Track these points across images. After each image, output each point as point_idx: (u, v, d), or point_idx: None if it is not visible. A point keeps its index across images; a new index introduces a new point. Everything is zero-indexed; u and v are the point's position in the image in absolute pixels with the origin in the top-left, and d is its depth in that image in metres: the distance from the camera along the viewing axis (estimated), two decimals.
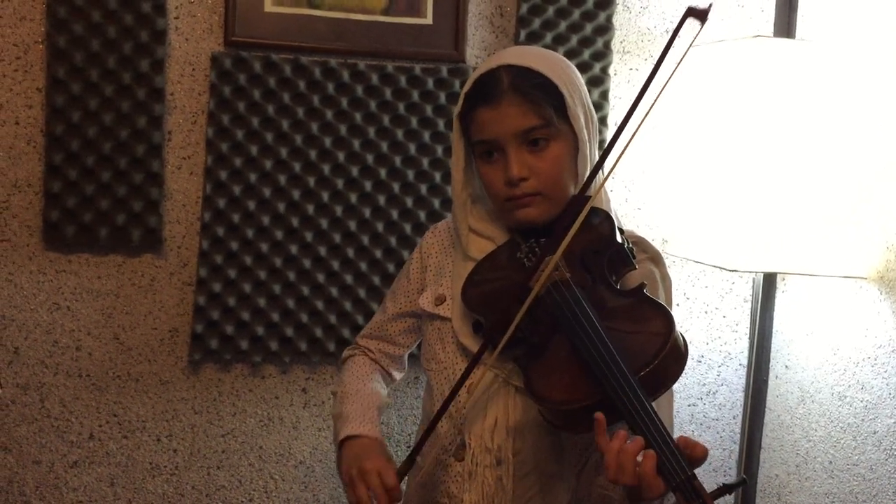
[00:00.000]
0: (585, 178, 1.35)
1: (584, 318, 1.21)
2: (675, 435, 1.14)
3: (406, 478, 1.38)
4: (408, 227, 2.12)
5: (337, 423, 1.47)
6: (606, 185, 1.46)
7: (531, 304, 1.26)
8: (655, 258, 1.40)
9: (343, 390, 1.52)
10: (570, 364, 1.20)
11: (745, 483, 1.16)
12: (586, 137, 1.35)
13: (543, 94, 1.30)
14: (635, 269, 1.33)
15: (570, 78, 1.35)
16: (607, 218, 1.34)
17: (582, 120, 1.34)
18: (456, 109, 1.38)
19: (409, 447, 2.21)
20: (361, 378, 1.55)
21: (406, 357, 1.64)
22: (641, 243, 1.41)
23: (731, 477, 2.31)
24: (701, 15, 1.29)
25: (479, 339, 1.33)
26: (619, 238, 1.31)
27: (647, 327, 1.20)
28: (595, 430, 1.13)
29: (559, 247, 1.26)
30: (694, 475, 1.08)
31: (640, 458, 1.10)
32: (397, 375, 1.65)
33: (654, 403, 1.14)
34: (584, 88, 1.38)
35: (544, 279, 1.26)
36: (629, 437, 1.12)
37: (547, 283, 1.26)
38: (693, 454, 1.11)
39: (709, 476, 2.32)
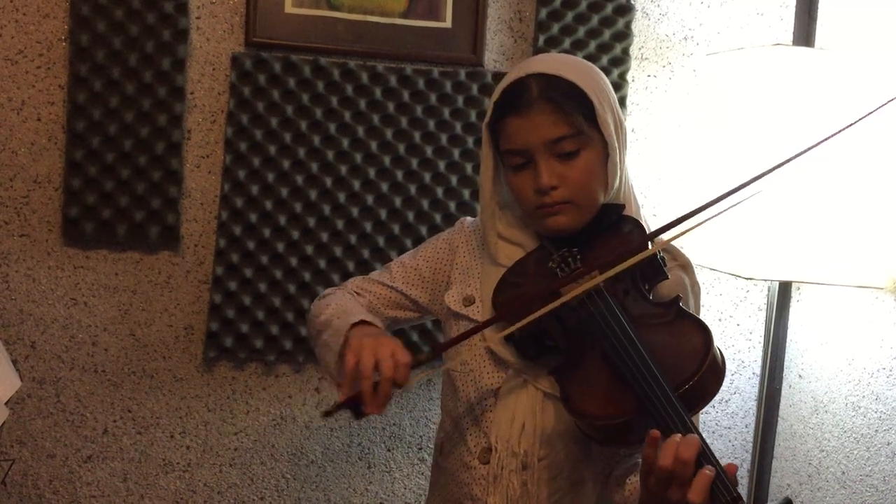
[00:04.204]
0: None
1: (621, 330, 1.19)
2: None
3: (429, 480, 1.36)
4: (423, 229, 2.13)
5: (338, 319, 1.38)
6: (635, 190, 1.45)
7: (563, 315, 1.25)
8: (685, 266, 1.39)
9: (336, 305, 1.43)
10: (607, 377, 1.19)
11: (790, 503, 1.15)
12: (616, 144, 1.34)
13: (573, 102, 1.29)
14: (668, 278, 1.32)
15: (598, 85, 1.34)
16: (638, 226, 1.33)
17: (612, 126, 1.33)
18: (485, 119, 1.37)
19: (420, 449, 2.22)
20: (356, 304, 1.46)
21: (387, 324, 1.52)
22: (671, 250, 1.40)
23: (742, 487, 2.30)
24: None
25: (510, 345, 1.32)
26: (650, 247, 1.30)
27: (685, 342, 1.18)
28: (646, 442, 1.10)
29: (606, 267, 1.23)
30: (741, 496, 1.06)
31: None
32: None
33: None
34: (613, 95, 1.36)
35: (578, 291, 1.24)
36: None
37: (581, 294, 1.25)
38: (732, 473, 1.09)
39: None
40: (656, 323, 1.23)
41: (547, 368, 1.29)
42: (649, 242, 1.30)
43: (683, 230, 1.26)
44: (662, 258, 1.32)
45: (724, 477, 1.06)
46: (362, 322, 1.36)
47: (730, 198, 1.28)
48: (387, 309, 1.51)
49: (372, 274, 1.56)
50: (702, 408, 1.17)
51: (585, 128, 1.30)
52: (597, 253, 1.30)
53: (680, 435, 1.08)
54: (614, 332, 1.20)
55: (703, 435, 2.39)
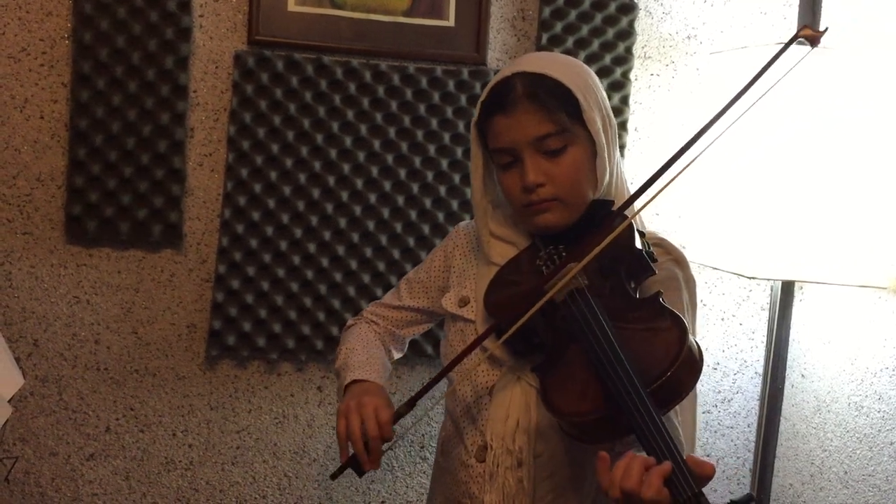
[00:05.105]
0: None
1: (599, 329, 1.20)
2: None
3: (429, 477, 1.37)
4: (426, 228, 2.13)
5: (342, 373, 1.49)
6: (630, 188, 1.45)
7: (549, 312, 1.25)
8: (679, 260, 1.39)
9: (348, 346, 1.54)
10: (584, 375, 1.20)
11: (752, 499, 1.14)
12: (604, 141, 1.34)
13: (557, 100, 1.30)
14: (655, 274, 1.32)
15: (584, 82, 1.34)
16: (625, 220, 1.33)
17: (599, 124, 1.34)
18: (473, 118, 1.39)
19: (422, 447, 2.22)
20: (367, 341, 1.56)
21: (407, 340, 1.66)
22: (664, 244, 1.40)
23: (744, 486, 2.31)
24: (813, 39, 1.29)
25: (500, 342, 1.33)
26: (638, 244, 1.30)
27: (660, 338, 1.18)
28: (597, 467, 1.11)
29: (583, 257, 1.24)
30: (702, 492, 1.06)
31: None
32: (396, 355, 1.65)
33: (676, 406, 1.12)
34: (602, 92, 1.37)
35: (560, 286, 1.25)
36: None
37: (564, 292, 1.26)
38: (701, 472, 1.08)
39: (722, 484, 2.31)
40: (634, 319, 1.23)
41: (534, 365, 1.30)
42: (637, 237, 1.31)
43: (647, 200, 1.27)
44: (650, 254, 1.31)
45: (687, 472, 1.06)
46: (354, 381, 1.45)
47: (688, 152, 1.30)
48: (402, 329, 1.61)
49: (385, 297, 1.64)
50: (677, 403, 1.17)
51: (570, 125, 1.31)
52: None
53: (625, 463, 1.08)
54: (591, 329, 1.20)
55: (706, 436, 2.38)
